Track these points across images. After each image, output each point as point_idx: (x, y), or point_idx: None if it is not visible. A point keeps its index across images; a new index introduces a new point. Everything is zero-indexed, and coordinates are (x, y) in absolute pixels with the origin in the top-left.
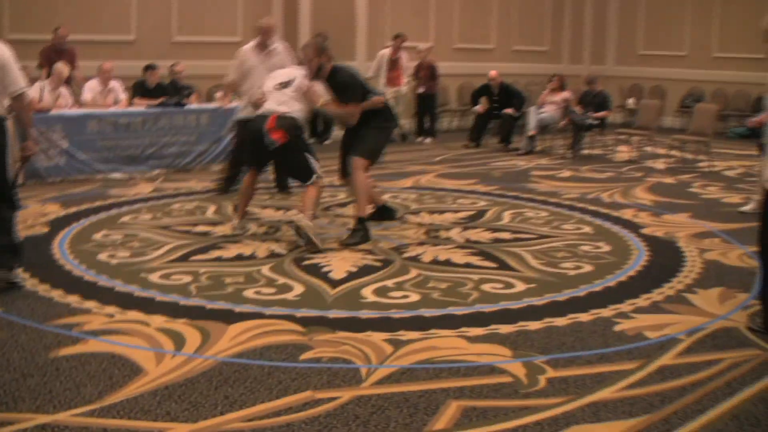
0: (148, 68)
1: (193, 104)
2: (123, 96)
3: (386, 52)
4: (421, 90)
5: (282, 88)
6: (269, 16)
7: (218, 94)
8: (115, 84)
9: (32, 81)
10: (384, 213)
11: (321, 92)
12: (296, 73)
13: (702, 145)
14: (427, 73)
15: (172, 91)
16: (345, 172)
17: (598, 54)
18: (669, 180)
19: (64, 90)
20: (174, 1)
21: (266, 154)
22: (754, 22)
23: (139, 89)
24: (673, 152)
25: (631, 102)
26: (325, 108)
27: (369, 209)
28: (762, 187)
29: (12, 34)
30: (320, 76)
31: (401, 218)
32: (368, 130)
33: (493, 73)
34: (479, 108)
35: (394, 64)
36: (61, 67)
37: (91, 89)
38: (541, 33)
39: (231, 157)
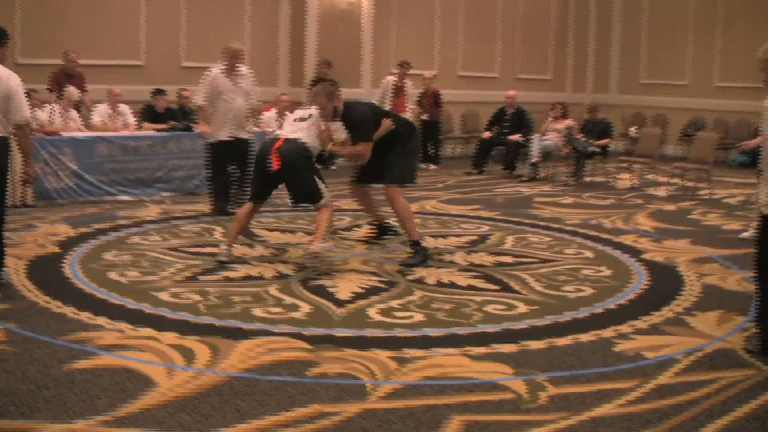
0: (157, 93)
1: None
2: (132, 120)
3: (391, 79)
4: (425, 117)
5: (299, 122)
6: (237, 41)
7: (200, 125)
8: (124, 108)
9: (42, 104)
10: (385, 231)
11: (334, 132)
12: (313, 111)
13: (703, 173)
14: (431, 100)
15: (180, 116)
16: (356, 190)
17: (601, 82)
18: (670, 207)
19: (74, 113)
20: (182, 27)
21: (269, 177)
22: (755, 51)
23: (148, 113)
24: (675, 180)
25: (633, 130)
26: (334, 152)
27: (419, 231)
28: (759, 213)
29: (23, 58)
30: (335, 118)
31: (405, 242)
32: (390, 158)
33: (511, 93)
34: (486, 134)
35: (399, 91)
36: (72, 91)
37: (100, 113)
38: (545, 61)
39: (210, 183)
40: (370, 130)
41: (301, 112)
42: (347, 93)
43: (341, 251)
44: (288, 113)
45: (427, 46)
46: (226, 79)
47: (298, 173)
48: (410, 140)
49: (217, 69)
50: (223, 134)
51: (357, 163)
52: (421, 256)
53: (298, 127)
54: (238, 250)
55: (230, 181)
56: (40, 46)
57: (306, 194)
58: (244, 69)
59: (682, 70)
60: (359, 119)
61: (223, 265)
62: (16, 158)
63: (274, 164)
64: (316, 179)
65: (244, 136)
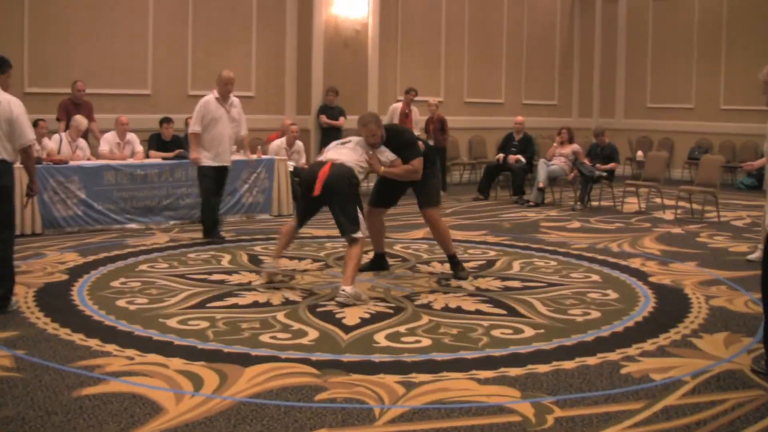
0: (164, 121)
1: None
2: (139, 148)
3: (398, 106)
4: (431, 143)
5: (342, 147)
6: (228, 69)
7: (192, 152)
8: (131, 136)
9: (50, 133)
10: (380, 261)
11: (380, 155)
12: (353, 138)
13: (709, 195)
14: (436, 126)
15: (188, 144)
16: (372, 213)
17: (607, 107)
18: (677, 230)
19: (82, 142)
20: (189, 55)
21: (314, 200)
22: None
23: (155, 142)
24: (681, 203)
25: (639, 154)
26: (388, 174)
27: (453, 246)
28: (765, 234)
29: (31, 87)
30: (382, 143)
31: (412, 267)
32: (425, 181)
33: (519, 118)
34: (500, 156)
35: (405, 118)
36: (80, 120)
37: (108, 141)
38: (551, 87)
39: (202, 206)
40: (418, 146)
41: (341, 140)
42: (354, 120)
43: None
44: (298, 142)
45: (433, 72)
46: (219, 107)
47: (341, 199)
48: (436, 162)
49: (210, 96)
50: (213, 160)
51: (412, 179)
52: (462, 266)
53: (342, 151)
54: (247, 276)
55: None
56: (47, 76)
57: (344, 221)
58: (234, 99)
59: (687, 94)
60: (408, 138)
61: (272, 279)
62: (17, 186)
63: (316, 190)
64: (357, 209)
65: (226, 164)
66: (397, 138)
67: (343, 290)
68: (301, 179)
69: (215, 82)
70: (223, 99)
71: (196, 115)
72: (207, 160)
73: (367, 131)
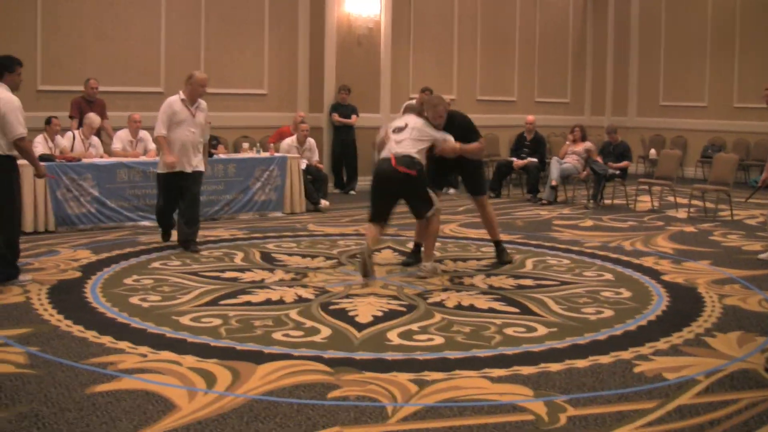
0: None
1: (220, 155)
2: (152, 146)
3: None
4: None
5: (398, 133)
6: (200, 70)
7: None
8: (144, 134)
9: (63, 131)
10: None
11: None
12: (409, 121)
13: (723, 194)
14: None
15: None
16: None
17: (620, 105)
18: (690, 229)
19: (94, 140)
20: (202, 53)
21: (389, 197)
22: None
23: None
24: (694, 202)
25: (652, 152)
26: (463, 150)
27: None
28: None
29: (43, 85)
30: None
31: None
32: (475, 171)
33: (530, 118)
34: (518, 162)
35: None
36: (93, 118)
37: (120, 139)
38: (563, 85)
39: (158, 209)
40: (477, 130)
41: (397, 122)
42: (365, 118)
43: (360, 276)
44: (310, 139)
45: (446, 70)
46: (184, 109)
47: (415, 188)
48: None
49: (176, 97)
50: (180, 165)
51: (478, 157)
52: (506, 251)
53: (401, 140)
54: (259, 274)
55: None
56: (60, 74)
57: (421, 206)
58: (201, 101)
59: (700, 92)
60: (467, 121)
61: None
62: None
63: (410, 173)
64: (427, 190)
65: (189, 170)
66: (457, 121)
67: (424, 266)
68: (375, 178)
69: (184, 82)
70: (190, 101)
71: (162, 116)
72: (161, 167)
73: (435, 113)
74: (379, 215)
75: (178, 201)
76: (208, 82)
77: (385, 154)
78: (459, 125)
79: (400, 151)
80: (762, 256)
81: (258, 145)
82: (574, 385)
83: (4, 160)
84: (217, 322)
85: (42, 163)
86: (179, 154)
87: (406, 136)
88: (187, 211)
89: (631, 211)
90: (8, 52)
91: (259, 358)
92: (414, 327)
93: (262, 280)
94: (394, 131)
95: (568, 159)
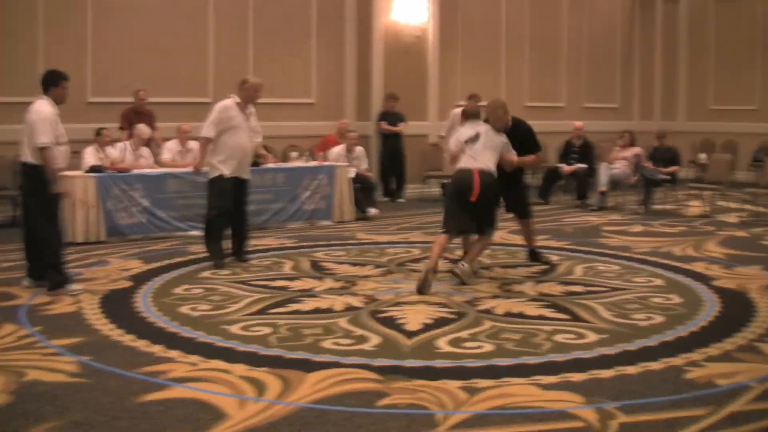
0: None
1: (269, 164)
2: None
3: (458, 111)
4: None
5: (472, 144)
6: (253, 74)
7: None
8: (193, 144)
9: (114, 142)
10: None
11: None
12: (479, 129)
13: None
14: None
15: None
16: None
17: (669, 110)
18: (741, 233)
19: (144, 150)
20: (250, 63)
21: (469, 209)
22: None
23: None
24: (746, 206)
25: (702, 157)
26: (520, 162)
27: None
28: None
29: (94, 97)
30: (506, 129)
31: (475, 273)
32: (516, 191)
33: (578, 124)
34: (566, 168)
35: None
36: (143, 128)
37: (170, 149)
38: (611, 90)
39: (207, 224)
40: (538, 139)
41: (467, 132)
42: (413, 126)
43: (409, 283)
44: (358, 147)
45: (494, 77)
46: (240, 114)
47: (490, 206)
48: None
49: (230, 101)
50: (228, 170)
51: (535, 168)
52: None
53: (478, 153)
54: (309, 282)
55: (226, 222)
56: (110, 86)
57: (486, 224)
58: (252, 108)
59: (750, 95)
60: (531, 129)
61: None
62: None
63: (474, 197)
64: (497, 208)
65: (246, 176)
66: (521, 128)
67: (463, 264)
68: (454, 187)
69: (237, 87)
70: (244, 106)
71: (214, 119)
72: (225, 168)
73: (495, 117)
74: (454, 227)
75: (230, 209)
76: (262, 88)
77: (463, 164)
78: (523, 133)
79: (480, 166)
80: None
81: (307, 153)
82: (624, 392)
83: (38, 169)
84: (267, 330)
85: (64, 179)
86: (239, 160)
87: (481, 147)
88: (242, 221)
89: (681, 216)
90: (58, 64)
91: (308, 366)
92: (463, 334)
93: (312, 289)
94: (467, 142)
95: (617, 165)
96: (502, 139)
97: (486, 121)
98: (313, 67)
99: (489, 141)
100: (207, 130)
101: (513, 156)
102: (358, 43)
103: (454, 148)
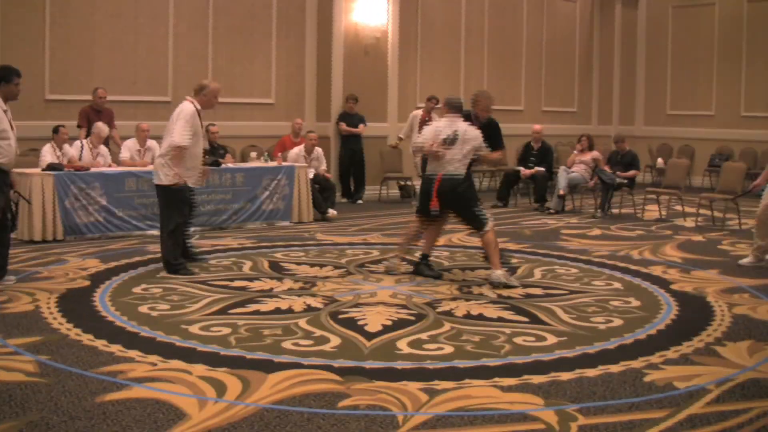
0: None
1: (228, 164)
2: None
3: (418, 113)
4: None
5: (451, 145)
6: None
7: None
8: (152, 143)
9: (71, 140)
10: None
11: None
12: (458, 127)
13: (731, 203)
14: None
15: (208, 151)
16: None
17: (627, 114)
18: (698, 238)
19: (103, 149)
20: (209, 63)
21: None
22: None
23: None
24: (702, 211)
25: (659, 161)
26: (490, 158)
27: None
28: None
29: (52, 94)
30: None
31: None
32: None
33: (537, 127)
34: (525, 171)
35: (425, 125)
36: (102, 127)
37: (128, 148)
38: (570, 94)
39: (172, 231)
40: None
41: (446, 130)
42: (373, 127)
43: (369, 284)
44: (317, 149)
45: (453, 79)
46: (199, 122)
47: (457, 207)
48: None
49: (192, 107)
50: (191, 181)
51: (499, 166)
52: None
53: (453, 155)
54: (268, 283)
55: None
56: (68, 83)
57: (469, 223)
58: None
59: (707, 101)
60: (499, 127)
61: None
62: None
63: (433, 204)
64: (474, 208)
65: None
66: (492, 124)
67: (495, 274)
68: (421, 191)
69: (195, 92)
70: (204, 110)
71: (188, 126)
72: (189, 179)
73: (486, 106)
74: (425, 213)
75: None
76: (219, 92)
77: (431, 169)
78: (493, 130)
79: (446, 171)
80: (743, 261)
81: (266, 154)
82: (584, 394)
83: None
84: (227, 331)
85: (11, 174)
86: (195, 168)
87: (458, 150)
88: (190, 223)
89: (639, 220)
90: (16, 61)
91: (268, 367)
92: (423, 336)
93: (271, 289)
94: (445, 141)
95: (575, 168)
96: (478, 136)
97: (468, 115)
98: (273, 67)
99: (466, 142)
100: (185, 137)
101: (494, 154)
102: (318, 43)
103: (427, 142)
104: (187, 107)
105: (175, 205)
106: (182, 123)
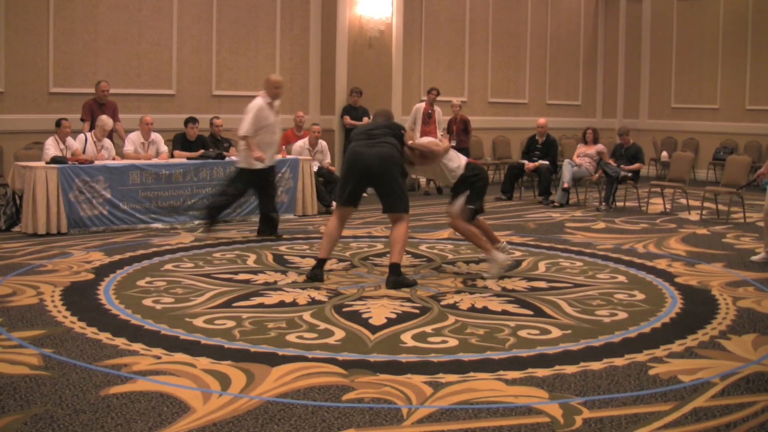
0: (189, 121)
1: (232, 157)
2: (164, 148)
3: (421, 106)
4: (453, 144)
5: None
6: (275, 72)
7: (254, 152)
8: (156, 136)
9: (75, 134)
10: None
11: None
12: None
13: (735, 196)
14: (459, 127)
15: (212, 144)
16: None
17: (631, 108)
18: (703, 231)
19: (107, 142)
20: (213, 56)
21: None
22: None
23: (180, 142)
24: (707, 204)
25: (664, 155)
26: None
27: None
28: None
29: (55, 87)
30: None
31: (437, 268)
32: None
33: (541, 121)
34: (529, 165)
35: (428, 118)
36: (105, 120)
37: (132, 141)
38: (575, 87)
39: (222, 198)
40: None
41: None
42: None
43: (374, 277)
44: (321, 141)
45: (457, 72)
46: (270, 112)
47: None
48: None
49: (261, 101)
50: (262, 163)
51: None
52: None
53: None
54: (272, 276)
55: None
56: (72, 76)
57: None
58: (277, 103)
59: (712, 94)
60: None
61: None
62: (42, 185)
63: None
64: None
65: (274, 163)
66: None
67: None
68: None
69: (263, 86)
70: (271, 103)
71: (252, 120)
72: (253, 162)
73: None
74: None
75: (246, 194)
76: (282, 85)
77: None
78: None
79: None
80: (755, 258)
81: None
82: (589, 388)
83: None
84: (231, 324)
85: None
86: (270, 152)
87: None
88: (273, 200)
89: (643, 213)
90: (20, 54)
91: (273, 360)
92: (428, 329)
93: (275, 282)
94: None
95: (580, 161)
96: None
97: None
98: (278, 60)
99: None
100: (246, 128)
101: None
102: (322, 37)
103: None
104: (255, 101)
105: (234, 182)
106: (246, 116)
